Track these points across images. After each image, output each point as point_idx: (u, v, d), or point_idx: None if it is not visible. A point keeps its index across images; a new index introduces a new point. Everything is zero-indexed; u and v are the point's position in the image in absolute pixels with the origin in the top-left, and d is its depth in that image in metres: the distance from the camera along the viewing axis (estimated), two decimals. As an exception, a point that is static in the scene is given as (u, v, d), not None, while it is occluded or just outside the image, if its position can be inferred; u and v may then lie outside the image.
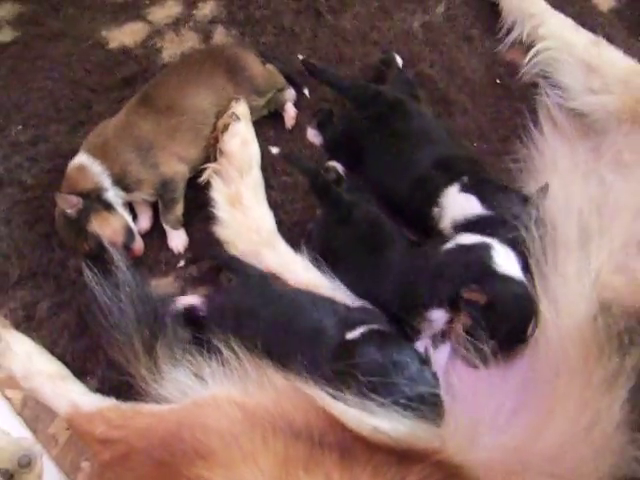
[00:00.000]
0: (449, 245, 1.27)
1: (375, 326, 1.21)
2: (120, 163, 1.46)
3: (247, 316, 1.31)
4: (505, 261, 1.20)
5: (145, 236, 1.53)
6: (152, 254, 1.52)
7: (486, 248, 1.22)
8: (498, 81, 1.77)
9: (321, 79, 1.66)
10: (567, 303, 1.10)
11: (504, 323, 1.16)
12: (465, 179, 1.39)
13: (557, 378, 1.05)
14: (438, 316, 1.24)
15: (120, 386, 1.35)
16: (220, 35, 1.75)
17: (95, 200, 1.44)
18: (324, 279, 1.41)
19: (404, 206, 1.49)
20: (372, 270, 1.36)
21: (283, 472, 1.04)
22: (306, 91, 1.70)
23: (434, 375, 1.11)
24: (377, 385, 1.07)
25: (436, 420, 1.05)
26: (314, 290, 1.39)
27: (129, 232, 1.47)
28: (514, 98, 1.71)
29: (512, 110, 1.69)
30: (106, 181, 1.45)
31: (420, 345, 1.24)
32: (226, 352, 1.21)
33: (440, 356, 1.22)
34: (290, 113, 1.65)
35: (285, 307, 1.31)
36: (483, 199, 1.35)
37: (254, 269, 1.41)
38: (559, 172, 1.42)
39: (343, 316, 1.27)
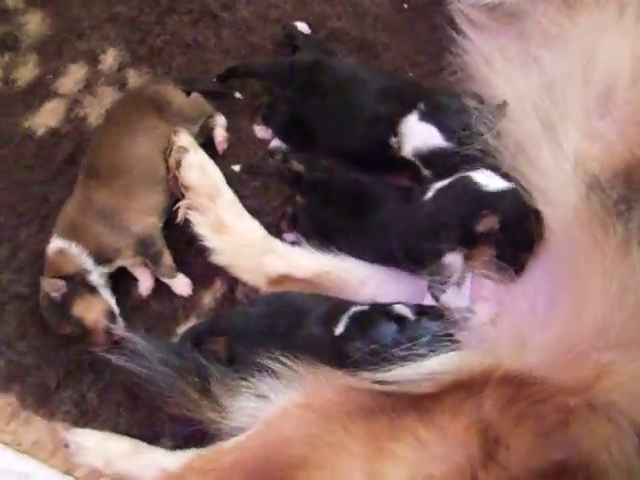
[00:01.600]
0: (430, 193, 1.30)
1: (355, 308, 1.27)
2: (93, 239, 1.47)
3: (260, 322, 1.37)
4: (489, 179, 1.23)
5: (154, 293, 1.56)
6: (167, 306, 1.55)
7: (466, 178, 1.25)
8: (405, 5, 1.78)
9: (241, 77, 1.69)
10: (556, 193, 1.14)
11: (521, 233, 1.20)
12: (422, 106, 1.42)
13: (574, 263, 1.10)
14: (453, 258, 1.26)
15: (194, 436, 1.38)
16: (134, 78, 1.74)
17: (79, 283, 1.46)
18: (334, 259, 1.46)
19: (371, 155, 1.51)
20: (371, 235, 1.40)
21: (375, 450, 1.09)
22: (237, 94, 1.71)
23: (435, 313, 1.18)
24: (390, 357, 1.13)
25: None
26: (328, 274, 1.45)
27: (111, 317, 1.48)
28: (427, 15, 1.73)
29: (430, 27, 1.71)
30: (87, 262, 1.47)
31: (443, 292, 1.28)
32: (271, 364, 1.24)
33: (464, 290, 1.26)
34: (219, 138, 1.65)
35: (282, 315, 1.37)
36: (443, 130, 1.37)
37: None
38: (496, 70, 1.44)
39: (325, 311, 1.32)
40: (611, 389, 1.03)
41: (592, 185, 1.11)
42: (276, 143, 1.65)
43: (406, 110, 1.43)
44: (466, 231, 1.23)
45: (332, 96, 1.53)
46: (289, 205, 1.58)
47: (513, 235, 1.20)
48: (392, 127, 1.45)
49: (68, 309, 1.44)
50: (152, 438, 1.45)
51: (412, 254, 1.32)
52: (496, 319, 1.17)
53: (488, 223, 1.20)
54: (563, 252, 1.13)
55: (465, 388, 1.09)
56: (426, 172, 1.43)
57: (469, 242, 1.24)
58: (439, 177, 1.36)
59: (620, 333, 1.04)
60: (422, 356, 1.11)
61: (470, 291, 1.25)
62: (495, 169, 1.27)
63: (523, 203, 1.21)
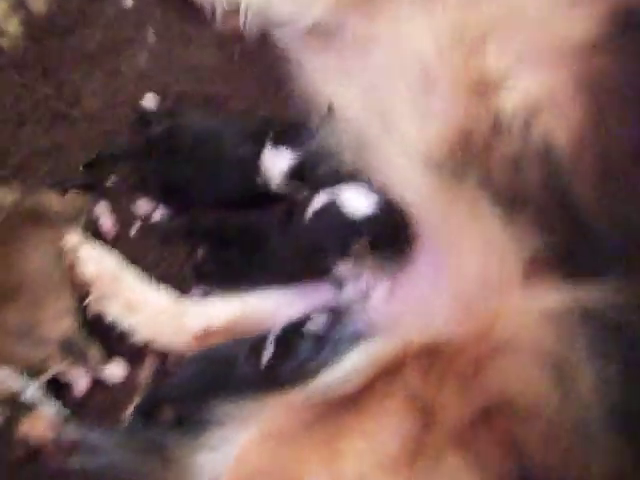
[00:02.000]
0: (309, 216, 1.42)
1: (271, 337, 1.39)
2: (18, 359, 1.50)
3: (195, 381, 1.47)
4: (356, 205, 1.35)
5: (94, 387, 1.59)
6: (108, 395, 1.59)
7: (335, 206, 1.37)
8: (236, 56, 1.91)
9: (108, 161, 1.78)
10: (405, 179, 1.28)
11: (392, 244, 1.34)
12: (271, 136, 1.56)
13: (442, 233, 1.25)
14: (343, 269, 1.38)
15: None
16: (7, 197, 1.67)
17: (15, 406, 1.48)
18: (244, 298, 1.56)
19: (248, 196, 1.63)
20: (271, 264, 1.52)
21: (330, 453, 1.18)
22: (112, 178, 1.78)
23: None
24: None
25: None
26: (244, 312, 1.55)
27: (57, 427, 1.49)
28: (258, 58, 1.86)
29: (265, 68, 1.84)
30: (18, 382, 1.49)
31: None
32: (218, 415, 1.32)
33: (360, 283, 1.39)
34: (107, 225, 1.71)
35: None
36: (290, 143, 1.52)
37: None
38: (330, 85, 1.58)
39: (248, 351, 1.42)
40: (506, 328, 1.16)
41: (428, 162, 1.26)
42: (161, 211, 1.73)
43: (260, 146, 1.57)
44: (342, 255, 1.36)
45: (194, 154, 1.63)
46: (189, 261, 1.67)
47: (385, 248, 1.34)
48: (256, 165, 1.57)
49: (12, 434, 1.46)
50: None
51: (308, 272, 1.45)
52: (393, 297, 1.30)
53: (360, 252, 1.34)
54: (429, 228, 1.27)
55: (388, 372, 1.21)
56: (303, 194, 1.54)
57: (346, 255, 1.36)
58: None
59: (498, 277, 1.19)
60: (342, 355, 1.22)
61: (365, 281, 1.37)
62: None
63: (387, 223, 1.35)
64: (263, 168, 1.55)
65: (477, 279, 1.21)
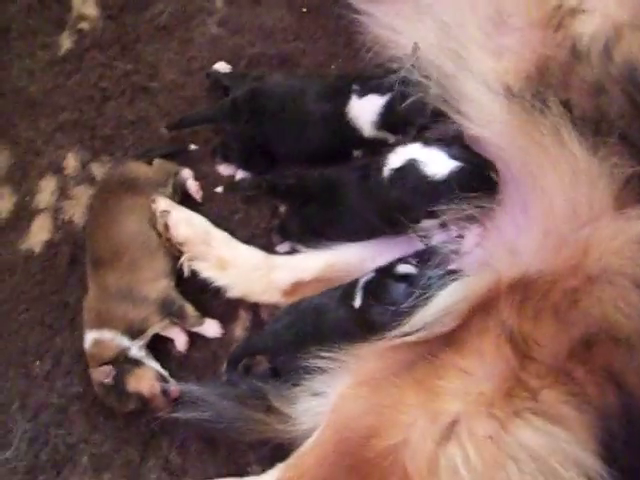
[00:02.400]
0: (385, 174, 1.41)
1: (364, 279, 1.40)
2: (120, 319, 1.59)
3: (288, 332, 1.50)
4: (434, 166, 1.33)
5: (191, 346, 1.68)
6: (206, 352, 1.67)
7: (415, 166, 1.35)
8: (304, 10, 1.93)
9: (191, 126, 1.83)
10: (484, 116, 1.27)
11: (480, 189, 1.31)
12: (355, 87, 1.56)
13: (528, 168, 1.23)
14: (429, 224, 1.38)
15: (276, 453, 1.49)
16: (99, 170, 1.86)
17: (124, 362, 1.57)
18: (332, 251, 1.59)
19: (332, 151, 1.65)
20: (351, 218, 1.53)
21: (427, 393, 1.21)
22: (192, 146, 1.84)
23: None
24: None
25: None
26: (332, 266, 1.58)
27: (163, 380, 1.58)
28: (326, 10, 1.88)
29: (333, 20, 1.85)
30: (123, 341, 1.58)
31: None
32: (315, 363, 1.37)
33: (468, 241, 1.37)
34: (193, 188, 1.78)
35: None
36: (378, 90, 1.52)
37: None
38: (401, 31, 1.57)
39: (340, 294, 1.45)
40: (600, 257, 1.15)
41: (508, 95, 1.23)
42: (240, 175, 1.79)
43: (345, 98, 1.57)
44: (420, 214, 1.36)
45: (279, 115, 1.66)
46: (273, 219, 1.71)
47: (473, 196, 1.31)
48: (342, 117, 1.58)
49: (124, 389, 1.56)
50: (241, 471, 1.56)
51: (391, 226, 1.45)
52: (483, 239, 1.29)
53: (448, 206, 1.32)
54: (515, 163, 1.25)
55: (482, 309, 1.21)
56: (393, 139, 1.55)
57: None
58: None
59: (587, 208, 1.16)
60: (433, 297, 1.23)
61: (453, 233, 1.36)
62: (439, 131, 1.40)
63: (471, 173, 1.31)
64: (352, 119, 1.56)
65: (566, 210, 1.18)
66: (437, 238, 1.38)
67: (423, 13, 1.53)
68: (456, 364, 1.20)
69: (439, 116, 1.38)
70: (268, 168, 1.75)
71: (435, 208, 1.34)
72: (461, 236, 1.34)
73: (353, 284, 1.42)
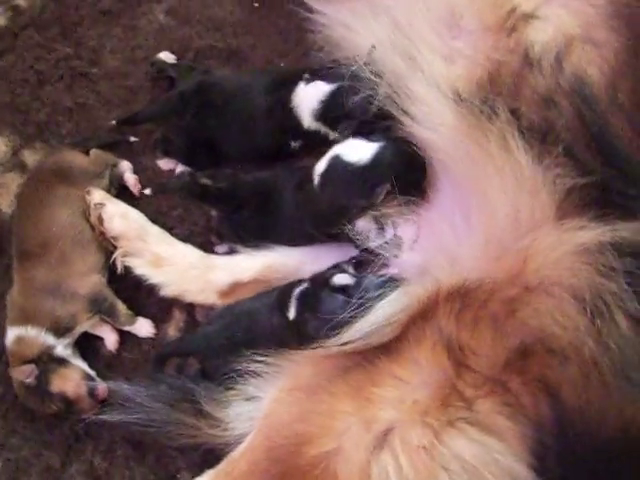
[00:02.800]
0: (316, 181, 1.39)
1: (298, 289, 1.37)
2: (46, 316, 1.51)
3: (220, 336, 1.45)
4: (355, 153, 1.33)
5: (122, 345, 1.61)
6: (137, 352, 1.61)
7: (338, 160, 1.35)
8: (256, 4, 1.90)
9: (140, 122, 1.78)
10: (432, 117, 1.25)
11: (408, 175, 1.31)
12: (306, 75, 1.54)
13: (472, 174, 1.21)
14: (363, 224, 1.36)
15: (206, 458, 1.44)
16: (31, 157, 1.78)
17: (48, 361, 1.49)
18: (270, 253, 1.55)
19: (276, 145, 1.62)
20: (286, 224, 1.50)
21: (361, 401, 1.17)
22: (132, 138, 1.78)
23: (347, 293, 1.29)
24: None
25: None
26: (270, 268, 1.54)
27: (89, 380, 1.52)
28: (278, 6, 1.85)
29: (285, 16, 1.83)
30: (48, 339, 1.50)
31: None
32: (249, 366, 1.33)
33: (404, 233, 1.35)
34: (131, 181, 1.72)
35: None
36: (326, 78, 1.50)
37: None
38: (355, 30, 1.54)
39: (274, 301, 1.41)
40: (539, 267, 1.14)
41: (457, 99, 1.22)
42: (180, 169, 1.73)
43: (293, 86, 1.55)
44: (364, 206, 1.33)
45: (226, 108, 1.62)
46: (188, 217, 1.68)
47: (403, 182, 1.30)
48: (286, 106, 1.55)
49: (47, 389, 1.47)
50: (170, 477, 1.50)
51: (325, 233, 1.42)
52: (420, 242, 1.27)
53: (383, 193, 1.30)
54: (459, 168, 1.24)
55: (419, 317, 1.19)
56: (332, 136, 1.53)
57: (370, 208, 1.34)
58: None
59: (529, 216, 1.16)
60: (372, 305, 1.21)
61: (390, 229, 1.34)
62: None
63: (395, 149, 1.32)
64: (294, 106, 1.54)
65: (508, 218, 1.17)
66: (373, 241, 1.36)
67: (378, 13, 1.51)
68: (392, 372, 1.18)
69: (386, 117, 1.36)
70: (210, 164, 1.69)
71: (368, 203, 1.32)
72: (398, 237, 1.32)
73: (287, 292, 1.39)
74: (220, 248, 1.65)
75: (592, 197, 1.14)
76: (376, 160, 1.31)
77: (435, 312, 1.17)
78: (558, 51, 1.22)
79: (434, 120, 1.24)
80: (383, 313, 1.21)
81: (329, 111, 1.49)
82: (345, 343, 1.22)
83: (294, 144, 1.61)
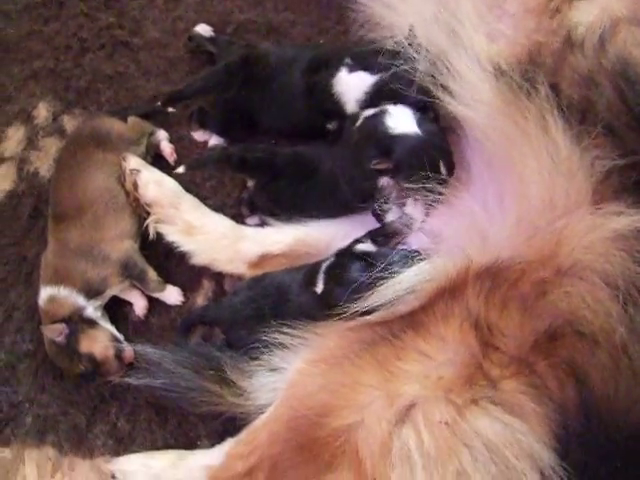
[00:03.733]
0: (359, 121, 1.41)
1: (326, 264, 1.38)
2: (78, 277, 1.53)
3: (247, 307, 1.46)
4: (397, 122, 1.34)
5: (150, 311, 1.63)
6: (165, 319, 1.63)
7: (380, 116, 1.36)
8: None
9: (186, 98, 1.77)
10: (471, 93, 1.24)
11: (417, 169, 1.30)
12: (348, 60, 1.52)
13: (507, 153, 1.20)
14: (385, 181, 1.36)
15: (228, 427, 1.47)
16: (70, 123, 1.81)
17: (78, 322, 1.52)
18: (301, 227, 1.56)
19: (314, 124, 1.62)
20: (320, 192, 1.50)
21: (386, 374, 1.18)
22: (170, 108, 1.78)
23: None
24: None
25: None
26: (301, 242, 1.55)
27: (117, 342, 1.54)
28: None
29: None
30: (79, 300, 1.53)
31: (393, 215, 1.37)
32: (275, 338, 1.33)
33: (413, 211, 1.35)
34: (167, 150, 1.74)
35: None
36: (370, 68, 1.48)
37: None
38: (395, 8, 1.53)
39: (303, 278, 1.42)
40: (572, 250, 1.13)
41: (497, 74, 1.20)
42: (214, 141, 1.74)
43: (335, 70, 1.54)
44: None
45: (269, 82, 1.62)
46: (244, 191, 1.67)
47: (411, 171, 1.31)
48: (326, 90, 1.55)
49: (75, 348, 1.51)
50: (190, 443, 1.52)
51: (354, 189, 1.42)
52: (451, 219, 1.27)
53: (381, 165, 1.32)
54: (495, 146, 1.23)
55: (448, 292, 1.19)
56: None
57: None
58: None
59: (564, 199, 1.14)
60: (396, 275, 1.20)
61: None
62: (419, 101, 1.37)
63: (419, 149, 1.31)
64: (337, 92, 1.53)
65: (543, 200, 1.16)
66: (392, 214, 1.37)
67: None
68: (417, 347, 1.18)
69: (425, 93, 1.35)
70: (244, 137, 1.71)
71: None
72: (408, 215, 1.33)
73: (316, 268, 1.40)
74: (250, 220, 1.66)
75: (630, 181, 1.13)
76: (401, 140, 1.32)
77: (464, 290, 1.17)
78: (602, 32, 1.20)
79: (472, 96, 1.23)
80: (409, 281, 1.21)
81: (373, 100, 1.48)
82: (369, 311, 1.23)
83: (330, 125, 1.60)
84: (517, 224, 1.18)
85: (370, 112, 1.40)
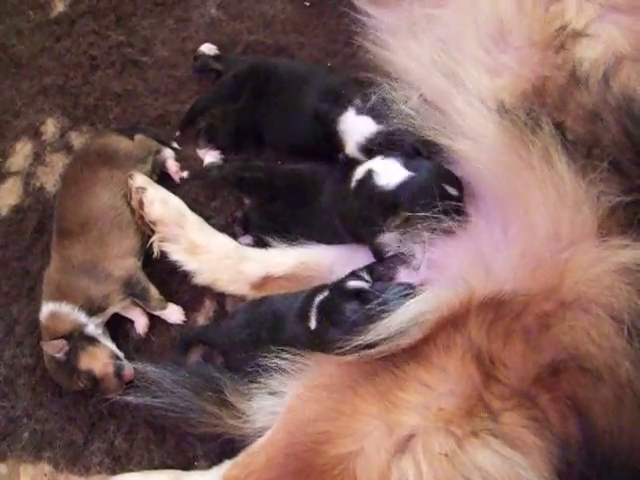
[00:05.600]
0: (352, 184, 1.40)
1: (318, 298, 1.35)
2: (80, 294, 1.53)
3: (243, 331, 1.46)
4: (387, 176, 1.33)
5: (151, 329, 1.63)
6: (166, 338, 1.63)
7: (369, 179, 1.35)
8: (307, 3, 1.90)
9: (201, 113, 1.78)
10: (475, 129, 1.24)
11: (429, 202, 1.27)
12: (358, 102, 1.52)
13: (513, 186, 1.20)
14: (389, 238, 1.34)
15: (224, 449, 1.46)
16: (78, 140, 1.82)
17: (78, 338, 1.52)
18: (304, 250, 1.55)
19: (315, 148, 1.62)
20: (319, 220, 1.51)
21: (387, 404, 1.17)
22: (174, 144, 1.79)
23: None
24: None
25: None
26: (304, 265, 1.55)
27: (117, 360, 1.53)
28: (329, 6, 1.85)
29: (335, 17, 1.84)
30: (81, 317, 1.53)
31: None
32: (275, 362, 1.33)
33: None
34: (173, 168, 1.75)
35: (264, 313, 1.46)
36: (377, 117, 1.48)
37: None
38: (400, 37, 1.54)
39: (298, 309, 1.39)
40: (577, 283, 1.11)
41: (501, 111, 1.21)
42: (210, 159, 1.74)
43: (344, 108, 1.54)
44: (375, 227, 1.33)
45: (276, 96, 1.63)
46: (238, 209, 1.68)
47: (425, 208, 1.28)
48: (332, 125, 1.55)
49: (75, 365, 1.50)
50: (188, 464, 1.51)
51: (354, 235, 1.43)
52: (456, 249, 1.26)
53: (398, 220, 1.30)
54: (500, 179, 1.22)
55: (450, 324, 1.18)
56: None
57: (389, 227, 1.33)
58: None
59: (569, 231, 1.13)
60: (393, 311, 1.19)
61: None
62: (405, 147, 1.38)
63: (423, 185, 1.30)
64: (340, 130, 1.53)
65: (547, 232, 1.15)
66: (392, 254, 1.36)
67: (425, 22, 1.50)
68: (419, 377, 1.17)
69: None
70: (254, 151, 1.72)
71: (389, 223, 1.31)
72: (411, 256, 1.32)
73: (310, 300, 1.37)
74: (243, 239, 1.66)
75: (637, 217, 1.12)
76: (400, 190, 1.31)
77: (467, 321, 1.16)
78: (606, 68, 1.21)
79: (476, 132, 1.23)
80: (411, 313, 1.19)
81: (371, 148, 1.48)
82: (370, 345, 1.20)
83: (341, 156, 1.60)
84: (521, 256, 1.17)
85: (359, 175, 1.39)
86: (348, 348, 1.21)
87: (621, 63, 1.21)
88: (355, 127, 1.51)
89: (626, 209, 1.12)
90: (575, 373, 1.10)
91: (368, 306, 1.23)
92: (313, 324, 1.34)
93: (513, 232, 1.20)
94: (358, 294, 1.28)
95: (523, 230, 1.18)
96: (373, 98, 1.50)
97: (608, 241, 1.12)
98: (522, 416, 1.10)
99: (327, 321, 1.31)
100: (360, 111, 1.51)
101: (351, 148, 1.53)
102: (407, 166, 1.32)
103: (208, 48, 1.85)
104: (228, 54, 1.83)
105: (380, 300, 1.23)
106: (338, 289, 1.34)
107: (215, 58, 1.82)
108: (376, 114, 1.48)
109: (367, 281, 1.33)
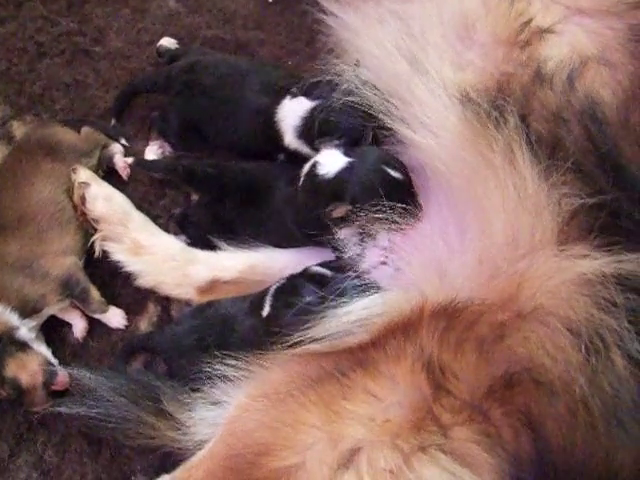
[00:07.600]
0: (301, 180, 1.36)
1: (274, 286, 1.32)
2: (13, 294, 1.44)
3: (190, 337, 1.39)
4: (328, 165, 1.29)
5: (90, 333, 1.54)
6: (106, 342, 1.53)
7: (312, 170, 1.32)
8: (270, 0, 1.84)
9: (129, 100, 1.73)
10: (436, 121, 1.19)
11: (372, 188, 1.23)
12: (294, 90, 1.47)
13: (471, 185, 1.15)
14: (345, 232, 1.30)
15: (163, 462, 1.38)
16: (20, 129, 1.73)
17: (7, 343, 1.41)
18: (253, 253, 1.49)
19: (258, 145, 1.56)
20: (270, 221, 1.44)
21: (330, 414, 1.10)
22: (123, 141, 1.71)
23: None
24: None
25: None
26: (252, 269, 1.48)
27: (49, 368, 1.42)
28: (293, 4, 1.80)
29: (298, 15, 1.79)
30: (12, 319, 1.43)
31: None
32: (218, 369, 1.25)
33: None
34: (120, 164, 1.66)
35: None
36: (309, 94, 1.44)
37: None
38: (362, 34, 1.49)
39: (250, 303, 1.36)
40: (535, 294, 1.06)
41: (464, 101, 1.16)
42: (151, 156, 1.68)
43: (281, 98, 1.49)
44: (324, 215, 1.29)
45: (215, 92, 1.56)
46: (175, 207, 1.62)
47: (372, 200, 1.24)
48: (272, 117, 1.49)
49: (0, 372, 1.39)
50: (124, 478, 1.42)
51: (308, 236, 1.37)
52: (409, 253, 1.21)
53: (340, 212, 1.26)
54: (458, 178, 1.17)
55: (401, 330, 1.12)
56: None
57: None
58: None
59: (529, 238, 1.09)
60: (347, 305, 1.15)
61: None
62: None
63: (364, 170, 1.26)
64: (278, 119, 1.48)
65: (505, 238, 1.10)
66: (351, 250, 1.30)
67: (388, 20, 1.46)
68: (365, 387, 1.10)
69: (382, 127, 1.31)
70: (200, 147, 1.66)
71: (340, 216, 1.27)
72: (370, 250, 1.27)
73: (263, 293, 1.34)
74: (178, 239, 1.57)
75: (598, 222, 1.08)
76: (339, 178, 1.27)
77: (418, 329, 1.10)
78: (572, 70, 1.18)
79: (436, 124, 1.18)
80: (358, 313, 1.15)
81: (308, 127, 1.43)
82: (315, 339, 1.15)
83: (281, 156, 1.56)
84: (478, 262, 1.12)
85: (306, 169, 1.35)
86: (296, 341, 1.16)
87: (586, 65, 1.18)
88: (290, 111, 1.47)
89: (587, 214, 1.08)
90: (529, 386, 1.05)
91: (324, 291, 1.20)
92: (267, 310, 1.29)
93: (470, 236, 1.15)
94: (317, 279, 1.26)
95: (481, 234, 1.13)
96: (311, 81, 1.46)
97: (568, 250, 1.08)
98: (473, 431, 1.04)
99: (281, 304, 1.27)
100: (294, 95, 1.47)
101: (290, 136, 1.47)
102: (348, 154, 1.28)
103: (169, 42, 1.78)
104: (190, 47, 1.77)
105: (337, 288, 1.19)
106: (297, 275, 1.31)
107: (176, 50, 1.76)
108: (310, 92, 1.44)
109: (328, 269, 1.29)
